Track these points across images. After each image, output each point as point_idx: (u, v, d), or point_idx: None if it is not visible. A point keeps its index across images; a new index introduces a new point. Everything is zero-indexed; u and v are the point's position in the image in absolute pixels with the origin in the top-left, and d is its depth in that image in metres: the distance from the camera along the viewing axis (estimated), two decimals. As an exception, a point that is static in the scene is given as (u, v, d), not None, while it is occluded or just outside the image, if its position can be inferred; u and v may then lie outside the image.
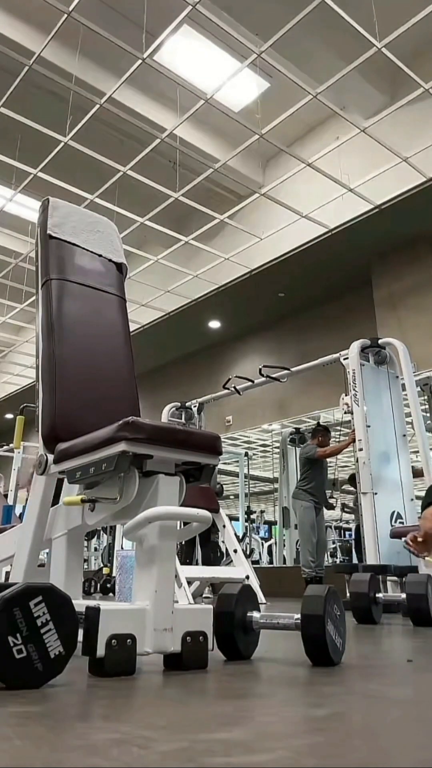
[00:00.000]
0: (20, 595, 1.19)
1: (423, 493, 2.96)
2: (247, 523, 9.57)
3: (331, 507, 6.53)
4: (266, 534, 10.92)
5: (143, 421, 1.50)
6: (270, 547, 10.29)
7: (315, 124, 7.03)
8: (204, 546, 5.64)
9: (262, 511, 11.28)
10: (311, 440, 6.20)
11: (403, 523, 4.30)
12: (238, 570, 4.22)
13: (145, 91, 6.31)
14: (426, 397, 5.63)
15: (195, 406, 6.27)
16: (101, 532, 9.18)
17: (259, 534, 10.65)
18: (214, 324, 9.59)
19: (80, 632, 1.28)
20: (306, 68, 5.58)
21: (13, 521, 5.54)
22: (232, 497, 10.73)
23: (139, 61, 5.17)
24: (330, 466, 6.73)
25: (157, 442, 1.51)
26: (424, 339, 6.81)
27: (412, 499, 4.46)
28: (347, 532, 9.48)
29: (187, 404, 6.29)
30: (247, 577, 4.08)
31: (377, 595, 3.22)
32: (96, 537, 9.68)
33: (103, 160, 6.23)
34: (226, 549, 4.65)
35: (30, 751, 0.75)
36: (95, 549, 9.97)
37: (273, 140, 6.01)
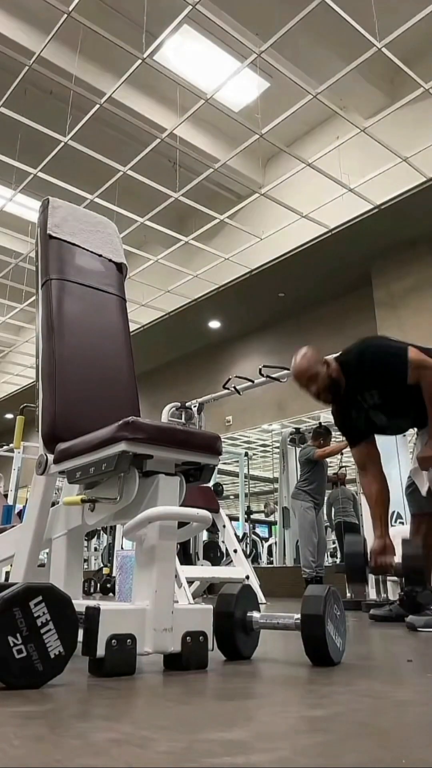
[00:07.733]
0: (20, 595, 1.19)
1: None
2: (247, 523, 9.55)
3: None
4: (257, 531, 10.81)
5: (143, 421, 1.50)
6: (267, 547, 10.26)
7: (315, 124, 7.03)
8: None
9: (261, 511, 11.26)
10: (312, 442, 6.19)
11: (403, 523, 4.30)
12: (238, 570, 4.22)
13: (145, 91, 6.31)
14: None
15: (195, 406, 6.26)
16: (101, 532, 9.17)
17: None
18: (214, 324, 9.58)
19: (80, 632, 1.28)
20: (306, 68, 5.58)
21: (13, 521, 5.56)
22: (232, 497, 10.73)
23: (139, 61, 5.17)
24: (330, 466, 6.73)
25: (157, 442, 1.51)
26: (424, 339, 6.78)
27: (412, 499, 4.45)
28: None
29: (187, 404, 6.28)
30: (247, 577, 4.09)
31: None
32: (96, 537, 9.68)
33: (103, 160, 6.22)
34: (226, 549, 4.64)
35: (30, 751, 0.75)
36: (95, 549, 9.96)
37: (273, 140, 6.01)
